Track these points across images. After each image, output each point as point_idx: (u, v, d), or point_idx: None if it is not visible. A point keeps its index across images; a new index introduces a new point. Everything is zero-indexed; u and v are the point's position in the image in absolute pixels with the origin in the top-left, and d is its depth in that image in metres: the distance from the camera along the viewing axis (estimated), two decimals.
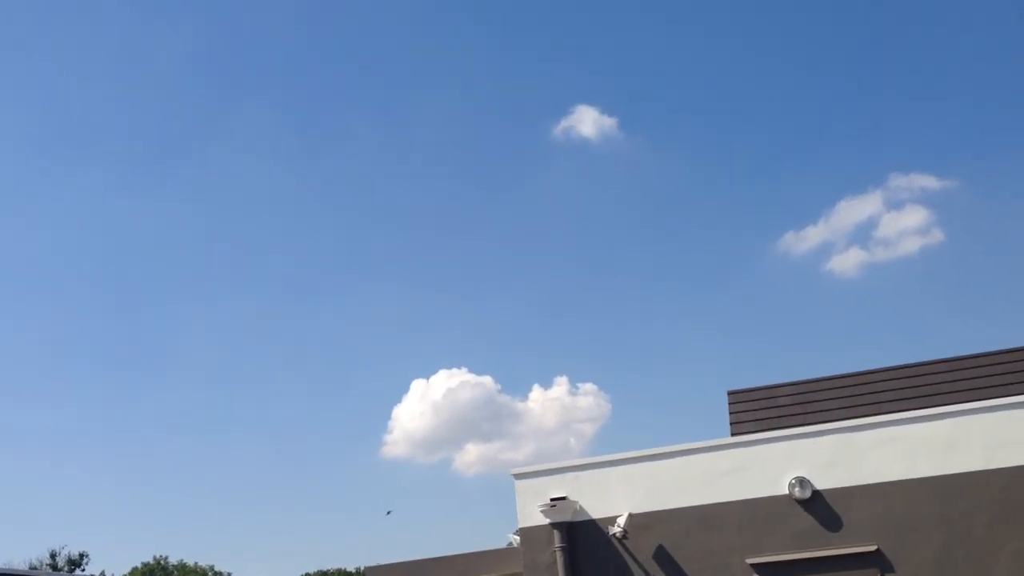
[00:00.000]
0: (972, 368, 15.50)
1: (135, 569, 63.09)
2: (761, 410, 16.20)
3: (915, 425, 10.87)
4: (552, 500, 11.61)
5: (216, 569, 67.62)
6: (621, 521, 11.28)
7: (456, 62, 50.07)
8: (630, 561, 11.38)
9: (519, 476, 12.10)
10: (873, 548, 10.55)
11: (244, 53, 52.36)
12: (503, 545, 17.34)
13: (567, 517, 11.60)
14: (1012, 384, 14.41)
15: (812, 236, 43.18)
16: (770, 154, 45.91)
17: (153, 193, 54.80)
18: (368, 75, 52.09)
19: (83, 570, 58.60)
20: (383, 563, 15.47)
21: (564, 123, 49.02)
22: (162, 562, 64.00)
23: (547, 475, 11.95)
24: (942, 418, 10.81)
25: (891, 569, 10.50)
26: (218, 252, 55.81)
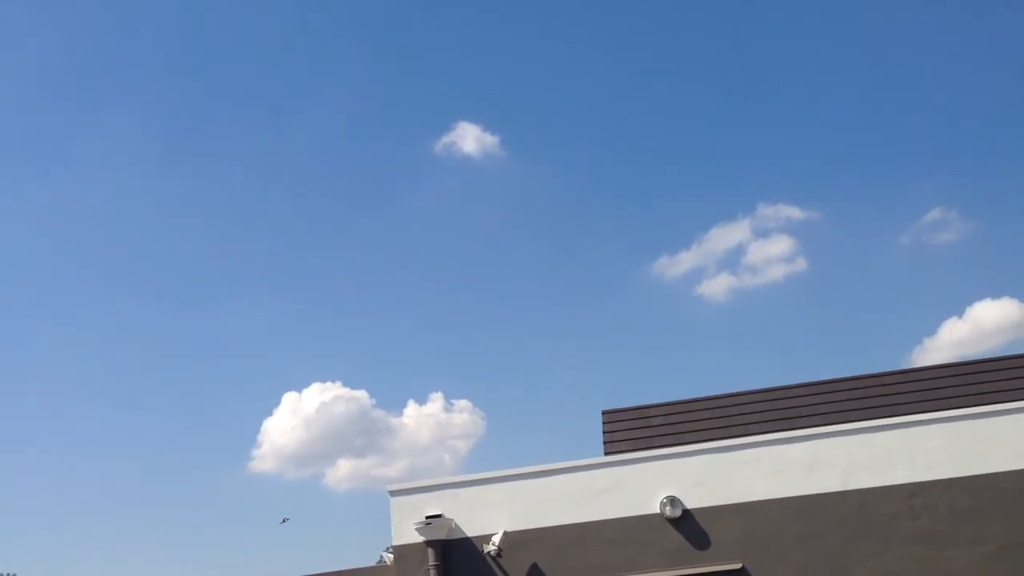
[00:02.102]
0: (832, 392, 16.19)
1: None
2: (634, 430, 16.51)
3: (779, 447, 11.32)
4: (428, 518, 11.58)
5: None
6: (496, 539, 11.34)
7: (334, 73, 49.47)
8: None
9: (395, 493, 12.03)
10: (738, 566, 10.92)
11: (107, 56, 50.39)
12: (374, 563, 17.17)
13: (442, 535, 11.59)
14: (868, 408, 15.12)
15: (685, 260, 44.45)
16: (648, 179, 47.14)
17: (5, 201, 52.14)
18: (242, 85, 50.90)
19: None
20: None
21: (445, 139, 49.06)
22: None
23: (423, 492, 11.92)
24: (804, 440, 11.30)
25: None
26: (75, 262, 53.37)
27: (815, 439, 11.24)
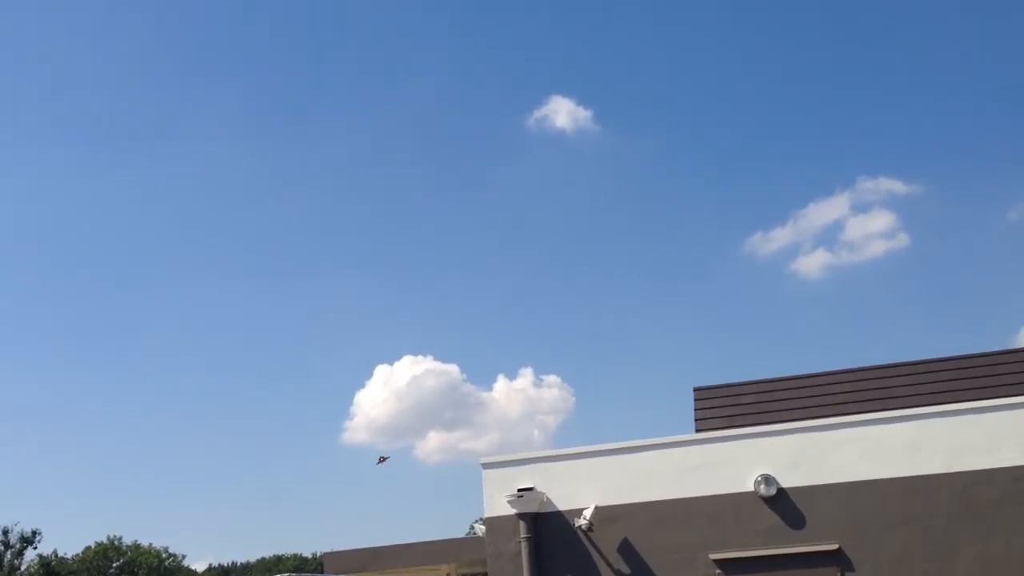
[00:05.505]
0: (934, 372, 15.74)
1: (88, 548, 62.35)
2: (726, 407, 16.35)
3: (879, 426, 11.04)
4: (519, 490, 11.65)
5: (170, 551, 67.05)
6: (587, 513, 11.34)
7: (429, 50, 49.94)
8: (595, 553, 11.46)
9: (487, 465, 12.13)
10: (835, 547, 10.71)
11: (214, 36, 51.83)
12: (461, 534, 17.37)
13: (533, 508, 11.65)
14: (973, 389, 14.65)
15: (779, 237, 43.89)
16: (742, 154, 46.48)
17: (116, 174, 54.20)
18: (341, 63, 51.84)
19: (35, 548, 57.82)
20: (341, 549, 15.44)
21: (538, 113, 49.10)
22: (115, 542, 63.27)
23: (515, 465, 11.99)
24: (905, 420, 10.99)
25: (851, 568, 10.66)
26: (181, 235, 55.35)
27: (917, 419, 10.92)
